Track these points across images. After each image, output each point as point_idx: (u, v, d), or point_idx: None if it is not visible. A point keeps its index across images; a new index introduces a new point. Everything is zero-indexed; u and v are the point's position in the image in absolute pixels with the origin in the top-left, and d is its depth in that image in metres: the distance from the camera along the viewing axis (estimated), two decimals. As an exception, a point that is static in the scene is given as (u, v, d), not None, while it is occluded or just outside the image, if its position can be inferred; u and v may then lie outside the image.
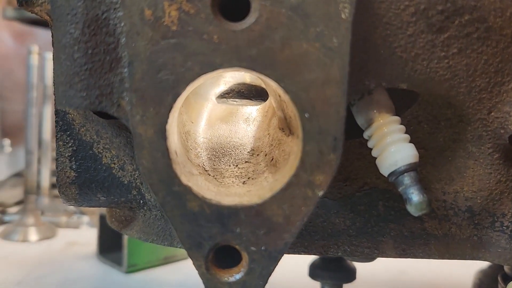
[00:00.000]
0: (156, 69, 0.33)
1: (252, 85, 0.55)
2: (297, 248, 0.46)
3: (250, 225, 0.34)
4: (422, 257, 0.45)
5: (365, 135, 0.39)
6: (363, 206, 0.45)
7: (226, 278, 0.35)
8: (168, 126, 0.34)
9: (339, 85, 0.33)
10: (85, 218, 1.23)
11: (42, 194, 1.23)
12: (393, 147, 0.38)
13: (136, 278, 0.87)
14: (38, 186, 1.22)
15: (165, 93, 0.33)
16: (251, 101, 0.54)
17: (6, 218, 1.18)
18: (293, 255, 0.46)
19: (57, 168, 0.46)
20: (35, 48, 1.11)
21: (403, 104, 0.42)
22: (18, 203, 1.29)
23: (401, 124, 0.39)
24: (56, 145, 0.45)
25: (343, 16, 0.32)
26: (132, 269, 0.89)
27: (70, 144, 0.45)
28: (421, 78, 0.37)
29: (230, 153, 0.47)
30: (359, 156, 0.44)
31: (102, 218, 0.92)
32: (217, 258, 0.36)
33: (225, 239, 0.35)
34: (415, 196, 0.36)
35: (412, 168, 0.37)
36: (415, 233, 0.45)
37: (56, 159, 0.45)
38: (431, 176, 0.44)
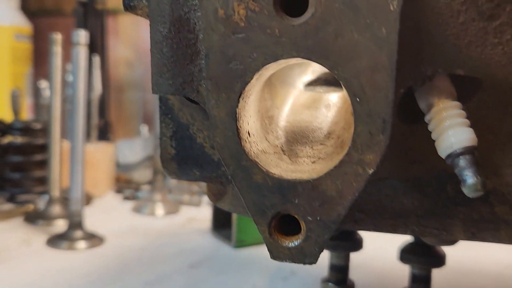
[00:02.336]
0: (228, 60, 0.39)
1: (337, 73, 0.58)
2: (368, 225, 0.49)
3: (307, 197, 0.39)
4: (492, 241, 0.46)
5: (426, 119, 0.41)
6: (431, 188, 0.46)
7: (286, 243, 0.40)
8: (238, 110, 0.39)
9: (388, 72, 0.36)
10: (205, 198, 1.34)
11: (170, 175, 1.37)
12: (450, 131, 0.39)
13: (243, 252, 0.95)
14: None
15: (235, 80, 0.39)
16: (336, 88, 0.58)
17: (139, 194, 1.35)
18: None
19: (160, 146, 0.54)
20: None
21: (470, 90, 0.43)
22: (150, 182, 1.45)
23: (462, 109, 0.40)
24: (160, 127, 0.53)
25: (391, 7, 0.35)
26: (240, 244, 0.97)
27: (170, 126, 0.53)
28: (476, 64, 0.38)
29: (308, 136, 0.51)
30: (427, 140, 0.45)
31: (216, 197, 1.01)
32: (281, 225, 0.41)
33: (285, 209, 0.40)
34: (469, 178, 0.38)
35: (468, 152, 0.38)
36: (485, 217, 0.45)
37: (160, 139, 0.53)
38: (501, 161, 0.44)
